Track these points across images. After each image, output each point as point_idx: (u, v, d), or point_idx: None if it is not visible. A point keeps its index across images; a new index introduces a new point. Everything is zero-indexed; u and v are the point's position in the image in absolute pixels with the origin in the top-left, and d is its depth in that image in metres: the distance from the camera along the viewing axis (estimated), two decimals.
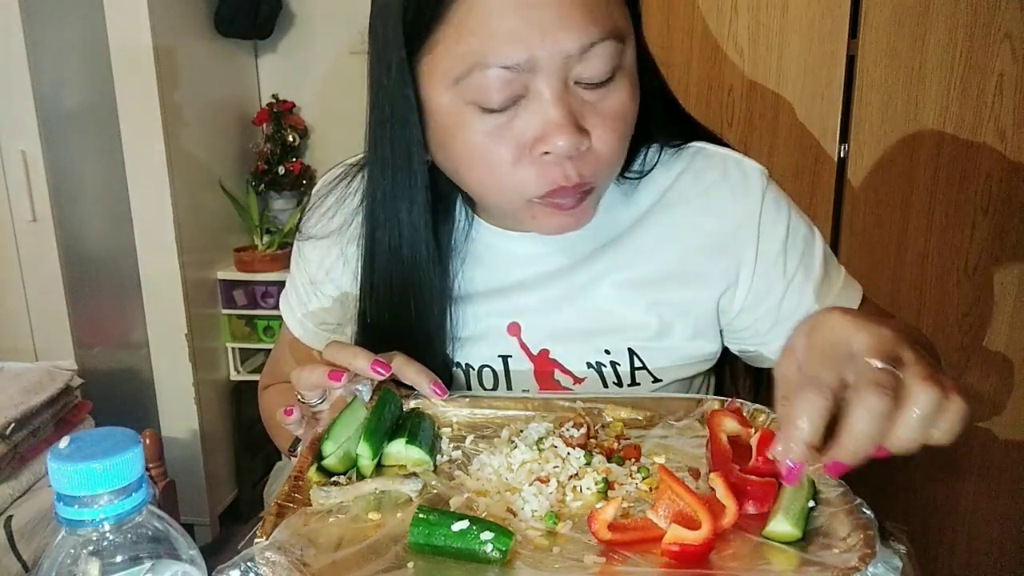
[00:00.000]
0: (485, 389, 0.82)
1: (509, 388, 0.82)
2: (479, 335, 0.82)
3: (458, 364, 0.83)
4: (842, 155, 1.45)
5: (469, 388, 0.83)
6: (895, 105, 1.40)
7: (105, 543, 0.40)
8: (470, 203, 0.81)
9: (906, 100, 1.39)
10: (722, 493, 0.52)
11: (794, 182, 1.46)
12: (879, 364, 0.46)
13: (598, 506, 0.54)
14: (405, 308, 0.78)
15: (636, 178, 0.79)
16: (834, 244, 1.48)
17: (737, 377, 0.95)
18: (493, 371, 0.82)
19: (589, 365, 0.80)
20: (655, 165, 0.79)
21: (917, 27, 1.36)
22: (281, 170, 2.35)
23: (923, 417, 0.45)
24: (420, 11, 0.65)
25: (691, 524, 0.49)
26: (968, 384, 1.46)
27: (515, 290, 0.81)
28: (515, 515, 0.55)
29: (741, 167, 0.79)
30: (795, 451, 0.46)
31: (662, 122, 0.80)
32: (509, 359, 0.82)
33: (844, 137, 1.44)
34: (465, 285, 0.82)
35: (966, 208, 1.40)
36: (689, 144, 0.81)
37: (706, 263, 0.78)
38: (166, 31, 1.98)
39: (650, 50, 0.76)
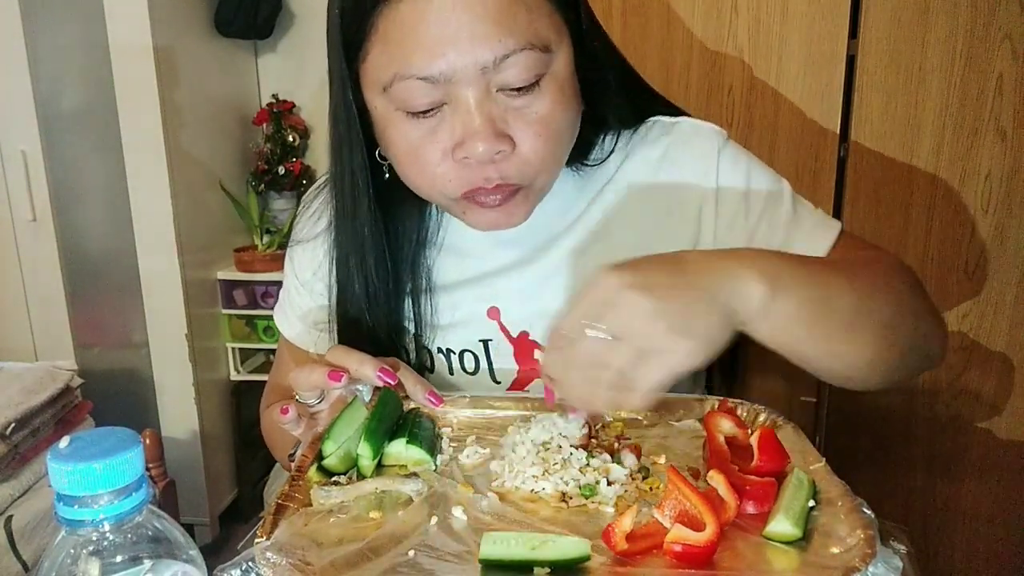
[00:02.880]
0: (467, 373, 0.84)
1: (491, 371, 0.84)
2: (459, 321, 0.84)
3: (440, 350, 0.85)
4: (842, 155, 1.45)
5: (451, 373, 0.85)
6: (895, 105, 1.40)
7: (105, 543, 0.40)
8: None
9: (906, 100, 1.39)
10: (723, 490, 0.52)
11: (794, 182, 1.45)
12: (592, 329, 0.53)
13: (606, 506, 0.55)
14: (371, 303, 0.81)
15: (596, 164, 0.81)
16: None
17: (724, 366, 0.96)
18: (474, 355, 0.84)
19: None
20: (614, 149, 0.81)
21: (917, 27, 1.36)
22: (281, 170, 2.34)
23: (599, 386, 0.53)
24: (352, 21, 0.68)
25: (695, 525, 0.49)
26: (968, 384, 1.46)
27: (492, 276, 0.83)
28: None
29: (697, 129, 0.81)
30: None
31: (626, 113, 0.81)
32: (489, 343, 0.83)
33: (844, 137, 1.44)
34: (441, 275, 0.84)
35: (966, 208, 1.40)
36: (646, 120, 0.83)
37: (670, 225, 0.80)
38: (166, 31, 1.98)
39: (612, 42, 0.79)
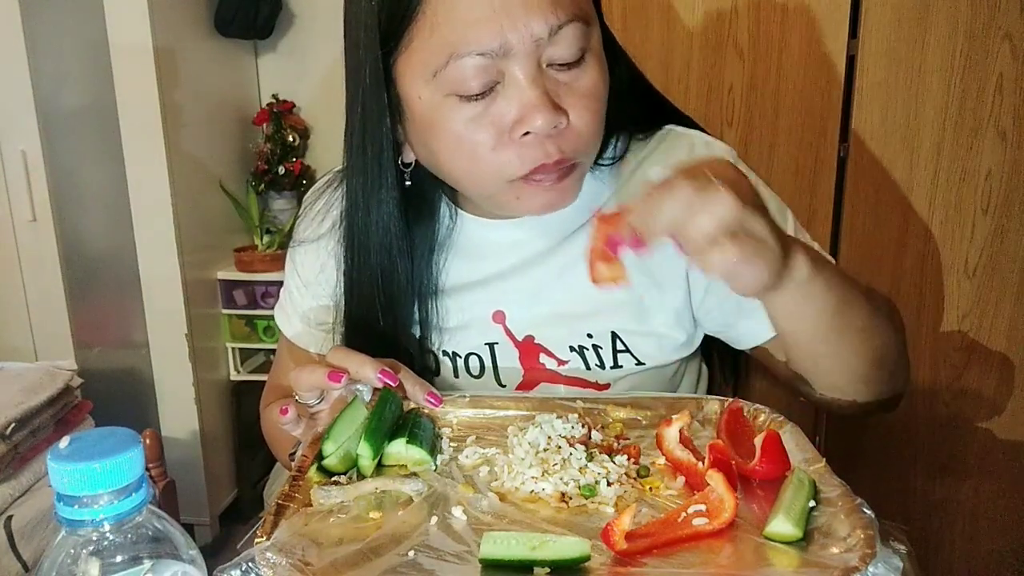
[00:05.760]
0: (472, 376, 0.84)
1: (496, 374, 0.83)
2: (465, 324, 0.83)
3: (445, 353, 0.84)
4: (842, 155, 1.45)
5: (456, 376, 0.85)
6: (895, 105, 1.40)
7: (105, 543, 0.40)
8: (453, 198, 0.83)
9: (906, 100, 1.39)
10: (722, 489, 0.52)
11: (794, 182, 1.46)
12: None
13: (606, 506, 0.55)
14: (384, 306, 0.81)
15: (608, 164, 0.81)
16: (834, 244, 1.48)
17: (725, 364, 0.96)
18: (480, 358, 0.84)
19: (572, 349, 0.82)
20: (626, 152, 0.82)
21: (917, 27, 1.36)
22: (281, 170, 2.34)
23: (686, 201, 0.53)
24: (393, 10, 0.67)
25: (711, 514, 0.51)
26: (968, 384, 1.46)
27: (498, 279, 0.83)
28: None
29: (709, 147, 0.82)
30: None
31: (634, 108, 0.82)
32: (495, 346, 0.83)
33: (844, 137, 1.44)
34: (450, 278, 0.84)
35: (966, 208, 1.40)
36: (659, 128, 0.84)
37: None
38: (166, 31, 1.98)
39: (616, 38, 0.79)
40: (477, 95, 0.67)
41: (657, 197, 0.54)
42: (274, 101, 2.38)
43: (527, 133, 0.67)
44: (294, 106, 2.42)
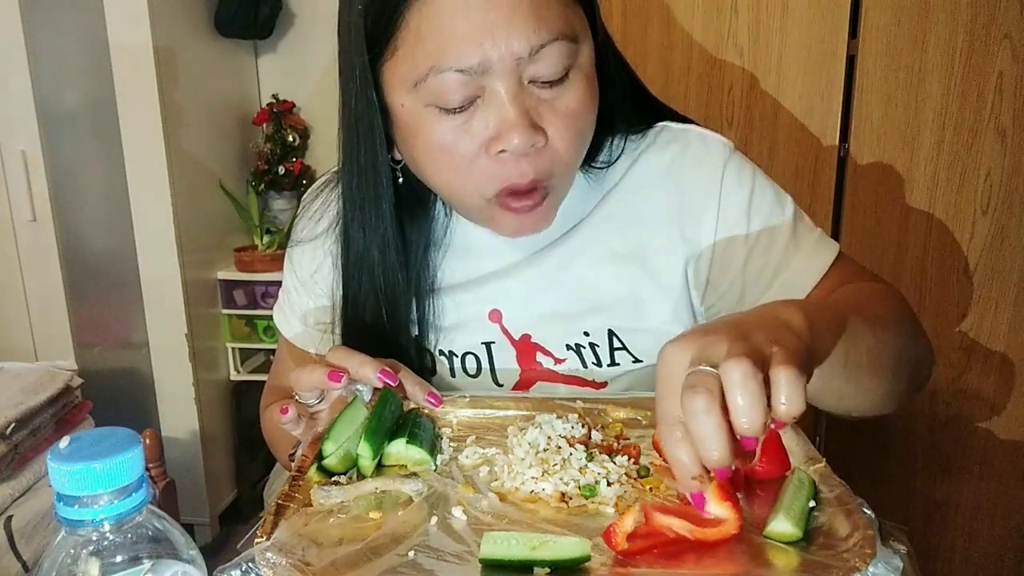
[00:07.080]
0: (469, 375, 0.84)
1: (493, 374, 0.83)
2: (461, 323, 0.83)
3: (441, 352, 0.84)
4: (842, 155, 1.45)
5: (453, 375, 0.85)
6: (895, 105, 1.40)
7: (105, 543, 0.40)
8: None
9: (906, 100, 1.39)
10: (719, 510, 0.51)
11: (794, 182, 1.46)
12: (690, 370, 0.48)
13: (606, 506, 0.55)
14: (384, 305, 0.81)
15: (604, 167, 0.81)
16: None
17: None
18: (476, 357, 0.83)
19: (569, 347, 0.81)
20: (622, 152, 0.81)
21: (917, 27, 1.36)
22: (281, 170, 2.35)
23: (745, 395, 0.45)
24: (379, 18, 0.67)
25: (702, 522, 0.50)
26: (968, 384, 1.46)
27: (494, 277, 0.83)
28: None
29: (704, 140, 0.81)
30: (686, 486, 0.49)
31: (631, 115, 0.82)
32: (492, 345, 0.83)
33: (844, 137, 1.44)
34: (446, 276, 0.84)
35: (966, 208, 1.40)
36: (654, 125, 0.83)
37: (671, 233, 0.80)
38: (166, 31, 1.98)
39: (617, 46, 0.79)
40: (458, 108, 0.67)
41: (666, 429, 0.48)
42: (274, 101, 2.38)
43: (503, 150, 0.67)
44: (294, 106, 2.42)
